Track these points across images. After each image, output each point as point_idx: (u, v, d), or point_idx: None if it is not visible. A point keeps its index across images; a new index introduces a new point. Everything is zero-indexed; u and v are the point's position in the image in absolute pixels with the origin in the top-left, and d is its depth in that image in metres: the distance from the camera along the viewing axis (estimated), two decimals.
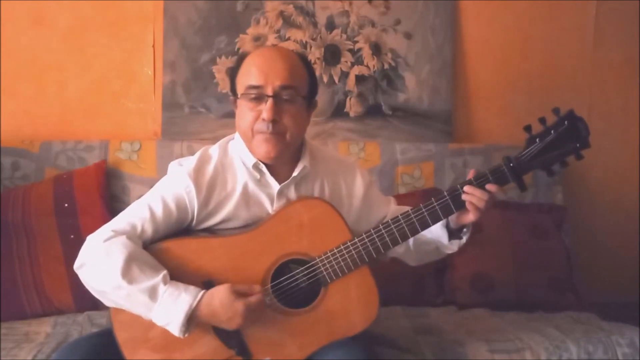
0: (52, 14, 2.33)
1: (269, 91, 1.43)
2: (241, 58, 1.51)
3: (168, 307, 1.33)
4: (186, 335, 1.35)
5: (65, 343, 1.63)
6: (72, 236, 2.01)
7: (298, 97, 1.46)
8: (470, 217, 1.45)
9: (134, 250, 1.37)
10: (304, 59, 1.53)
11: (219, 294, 1.36)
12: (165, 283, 1.35)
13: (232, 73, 1.52)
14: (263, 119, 1.43)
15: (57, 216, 2.03)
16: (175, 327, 1.34)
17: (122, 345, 1.41)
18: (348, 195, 1.58)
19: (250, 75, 1.45)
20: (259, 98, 1.44)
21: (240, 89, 1.47)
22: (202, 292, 1.36)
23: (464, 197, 1.42)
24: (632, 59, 2.56)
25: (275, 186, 1.50)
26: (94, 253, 1.38)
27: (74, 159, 2.21)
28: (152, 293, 1.34)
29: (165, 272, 1.37)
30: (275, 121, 1.43)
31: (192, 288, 1.36)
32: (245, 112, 1.46)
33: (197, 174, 1.47)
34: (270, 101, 1.42)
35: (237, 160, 1.52)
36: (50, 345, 1.68)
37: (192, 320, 1.35)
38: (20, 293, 1.94)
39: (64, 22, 2.34)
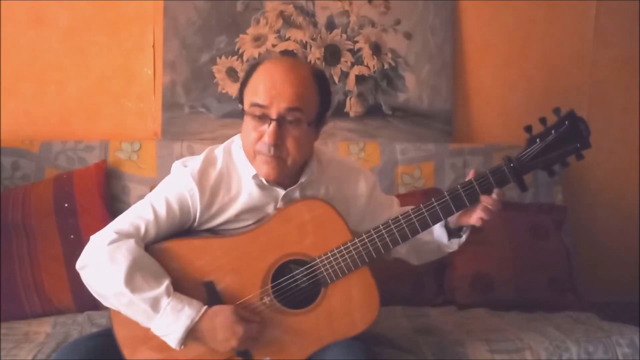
0: (52, 13, 2.33)
1: (273, 113, 1.37)
2: (252, 69, 1.45)
3: (169, 319, 1.34)
4: (182, 347, 1.35)
5: (65, 343, 1.63)
6: (72, 236, 2.01)
7: (303, 121, 1.40)
8: (475, 220, 1.44)
9: (138, 256, 1.36)
10: (317, 75, 1.45)
11: (223, 313, 1.36)
12: (168, 295, 1.35)
13: (242, 82, 1.47)
14: (264, 142, 1.39)
15: (57, 216, 2.03)
16: (173, 339, 1.34)
17: (122, 345, 1.41)
18: (353, 197, 1.57)
19: (256, 92, 1.39)
20: (263, 118, 1.39)
21: (246, 104, 1.43)
22: (205, 307, 1.36)
23: (482, 204, 1.41)
24: (632, 59, 2.55)
25: (280, 191, 1.48)
26: (98, 256, 1.37)
27: (74, 159, 2.21)
28: (155, 304, 1.34)
29: (168, 282, 1.36)
30: (277, 145, 1.39)
31: (195, 302, 1.36)
32: (248, 129, 1.42)
33: (201, 177, 1.46)
34: (273, 125, 1.37)
35: (242, 164, 1.49)
36: (50, 345, 1.68)
37: (191, 334, 1.35)
38: (20, 293, 1.94)
39: (64, 21, 2.34)
